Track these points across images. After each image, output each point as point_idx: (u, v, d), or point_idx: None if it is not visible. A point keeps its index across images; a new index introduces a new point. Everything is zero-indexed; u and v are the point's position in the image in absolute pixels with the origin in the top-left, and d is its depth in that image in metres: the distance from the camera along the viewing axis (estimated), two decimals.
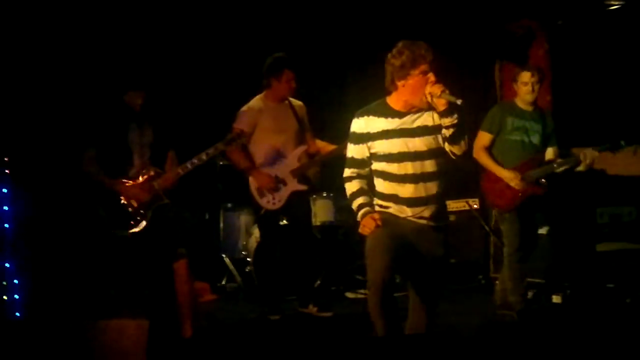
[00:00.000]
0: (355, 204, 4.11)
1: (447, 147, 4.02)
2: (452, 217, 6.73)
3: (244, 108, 5.74)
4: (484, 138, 5.47)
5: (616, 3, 7.16)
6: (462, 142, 3.99)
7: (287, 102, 5.77)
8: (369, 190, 4.15)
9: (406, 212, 4.07)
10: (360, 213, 4.07)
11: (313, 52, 7.14)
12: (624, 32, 7.28)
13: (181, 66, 6.92)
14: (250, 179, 5.70)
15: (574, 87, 7.55)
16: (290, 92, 5.71)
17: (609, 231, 6.28)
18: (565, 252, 5.93)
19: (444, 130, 3.98)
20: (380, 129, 4.04)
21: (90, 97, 5.80)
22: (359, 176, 4.14)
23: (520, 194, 5.35)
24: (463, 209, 6.85)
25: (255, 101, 5.76)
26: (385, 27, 7.19)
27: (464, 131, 3.99)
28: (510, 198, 5.38)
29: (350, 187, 4.15)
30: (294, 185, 5.71)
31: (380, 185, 4.13)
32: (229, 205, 7.08)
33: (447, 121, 3.93)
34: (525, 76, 5.44)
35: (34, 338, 4.36)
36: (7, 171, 5.05)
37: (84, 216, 5.04)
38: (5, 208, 5.02)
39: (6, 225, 5.01)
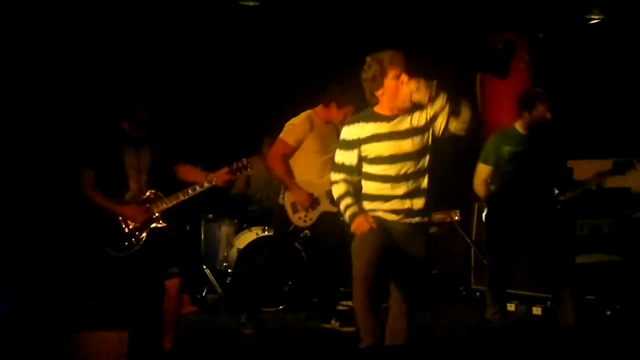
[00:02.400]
0: (343, 204, 4.23)
1: (453, 126, 4.11)
2: (433, 229, 6.74)
3: (295, 121, 5.71)
4: (481, 170, 5.42)
5: (597, 17, 7.23)
6: (465, 111, 4.09)
7: (332, 124, 5.73)
8: (355, 194, 4.24)
9: (395, 209, 4.17)
10: (349, 212, 4.19)
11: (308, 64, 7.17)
12: (605, 45, 7.36)
13: (182, 86, 6.92)
14: (288, 193, 5.68)
15: (555, 100, 7.59)
16: (341, 121, 5.56)
17: (589, 243, 6.31)
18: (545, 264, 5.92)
19: (442, 114, 4.09)
20: (370, 133, 4.18)
21: (86, 119, 5.78)
22: (346, 181, 4.25)
23: None
24: (444, 220, 6.86)
25: (306, 116, 5.72)
26: (365, 40, 7.22)
27: (459, 101, 4.10)
28: None
29: (339, 189, 4.26)
30: (326, 206, 5.67)
31: (371, 187, 4.23)
32: (210, 216, 7.06)
33: (439, 103, 4.08)
34: (543, 107, 5.32)
35: (13, 350, 4.32)
36: None
37: (78, 232, 4.98)
38: None
39: None
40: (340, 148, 4.27)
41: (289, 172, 5.69)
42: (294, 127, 5.69)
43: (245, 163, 4.91)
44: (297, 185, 5.65)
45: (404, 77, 4.09)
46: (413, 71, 4.11)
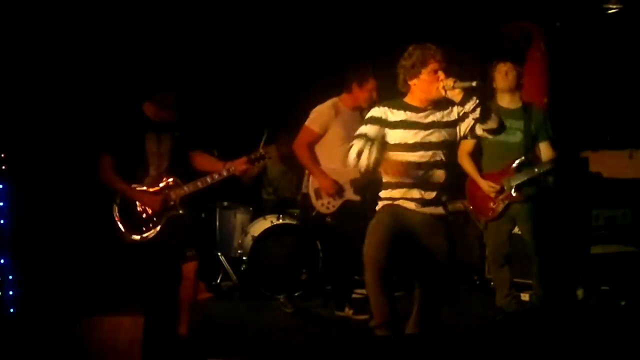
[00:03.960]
0: (352, 153, 4.24)
1: (480, 131, 4.23)
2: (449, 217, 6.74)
3: (320, 108, 5.76)
4: (466, 143, 5.35)
5: (614, 6, 7.18)
6: (492, 119, 4.20)
7: (359, 111, 5.75)
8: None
9: (414, 198, 4.21)
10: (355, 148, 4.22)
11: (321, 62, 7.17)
12: (622, 35, 7.30)
13: (201, 73, 6.92)
14: (312, 178, 5.74)
15: (572, 90, 7.56)
16: (369, 101, 5.65)
17: (604, 233, 6.29)
18: (558, 254, 5.92)
19: (471, 115, 4.18)
20: (397, 119, 4.27)
21: (108, 103, 5.79)
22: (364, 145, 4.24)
23: (500, 203, 5.29)
24: (458, 209, 6.83)
25: (332, 103, 5.77)
26: (383, 30, 7.21)
27: (488, 109, 4.21)
28: (491, 207, 5.34)
29: (353, 149, 4.26)
30: (349, 194, 5.72)
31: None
32: (225, 204, 7.09)
33: (469, 105, 4.14)
34: (500, 66, 5.36)
35: (28, 334, 4.36)
36: (3, 167, 5.04)
37: (95, 216, 5.00)
38: (1, 204, 5.00)
39: (1, 221, 5.00)
40: (365, 123, 4.33)
41: (314, 159, 5.74)
42: (320, 114, 5.73)
43: (263, 153, 4.94)
44: (322, 172, 5.70)
45: (441, 74, 4.16)
46: (451, 69, 4.19)
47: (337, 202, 5.73)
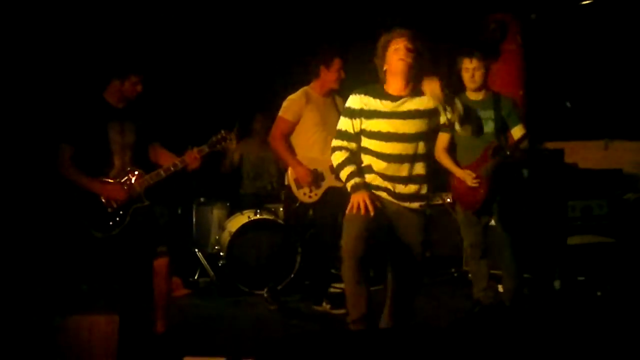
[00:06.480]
0: (344, 173, 4.28)
1: (458, 128, 4.35)
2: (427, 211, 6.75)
3: (292, 97, 5.76)
4: (441, 138, 5.38)
5: None
6: (457, 106, 4.26)
7: (331, 97, 5.77)
8: (356, 162, 4.30)
9: (388, 189, 4.22)
10: (352, 182, 4.22)
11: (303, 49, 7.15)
12: (596, 26, 7.34)
13: (166, 63, 6.86)
14: (290, 169, 5.73)
15: (547, 82, 7.59)
16: (338, 81, 5.68)
17: (581, 224, 6.32)
18: (535, 245, 5.94)
19: (438, 104, 4.27)
20: (373, 109, 4.25)
21: (68, 93, 5.70)
22: (346, 149, 4.30)
23: (482, 192, 5.31)
24: (437, 203, 6.86)
25: (302, 92, 5.77)
26: (357, 18, 7.19)
27: (452, 97, 4.27)
28: (473, 198, 5.34)
29: (338, 157, 4.31)
30: (331, 181, 5.69)
31: (368, 161, 4.30)
32: (202, 200, 7.05)
33: (450, 110, 4.26)
34: (465, 62, 5.35)
35: (1, 334, 4.31)
36: None
37: (61, 214, 4.92)
38: None
39: None
40: (344, 115, 4.34)
41: (290, 149, 5.74)
42: (291, 103, 5.73)
43: (224, 135, 4.89)
44: (298, 162, 5.69)
45: (402, 49, 4.16)
46: (418, 48, 4.19)
47: (319, 190, 5.71)
